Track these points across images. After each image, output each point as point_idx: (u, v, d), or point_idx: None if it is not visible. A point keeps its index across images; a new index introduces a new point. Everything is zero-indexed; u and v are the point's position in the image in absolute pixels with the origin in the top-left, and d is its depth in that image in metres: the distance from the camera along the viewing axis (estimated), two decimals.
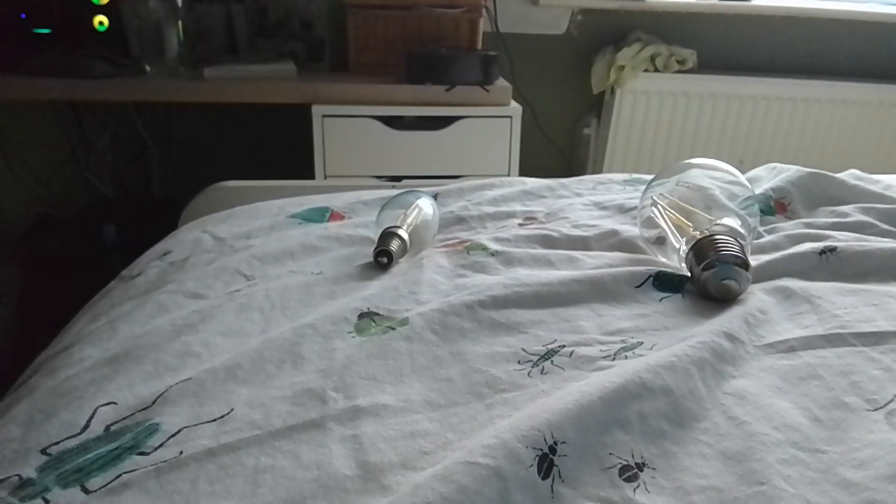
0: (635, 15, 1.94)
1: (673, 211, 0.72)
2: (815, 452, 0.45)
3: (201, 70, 1.49)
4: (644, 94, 1.92)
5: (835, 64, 2.06)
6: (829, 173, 0.93)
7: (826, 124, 2.00)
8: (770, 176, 0.96)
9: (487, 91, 1.54)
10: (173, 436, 0.46)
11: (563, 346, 0.56)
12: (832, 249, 0.70)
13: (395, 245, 0.71)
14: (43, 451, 0.45)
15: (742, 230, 0.69)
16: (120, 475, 0.43)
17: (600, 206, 0.90)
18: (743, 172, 0.80)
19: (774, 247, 0.76)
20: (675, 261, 0.69)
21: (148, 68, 1.52)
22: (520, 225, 0.84)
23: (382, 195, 0.94)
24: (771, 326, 0.59)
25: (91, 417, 0.48)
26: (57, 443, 0.45)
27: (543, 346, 0.56)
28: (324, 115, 1.48)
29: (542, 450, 0.42)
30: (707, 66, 1.95)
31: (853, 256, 0.70)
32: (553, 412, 0.44)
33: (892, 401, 0.49)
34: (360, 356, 0.54)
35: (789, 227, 0.82)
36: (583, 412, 0.44)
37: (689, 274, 0.66)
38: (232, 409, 0.48)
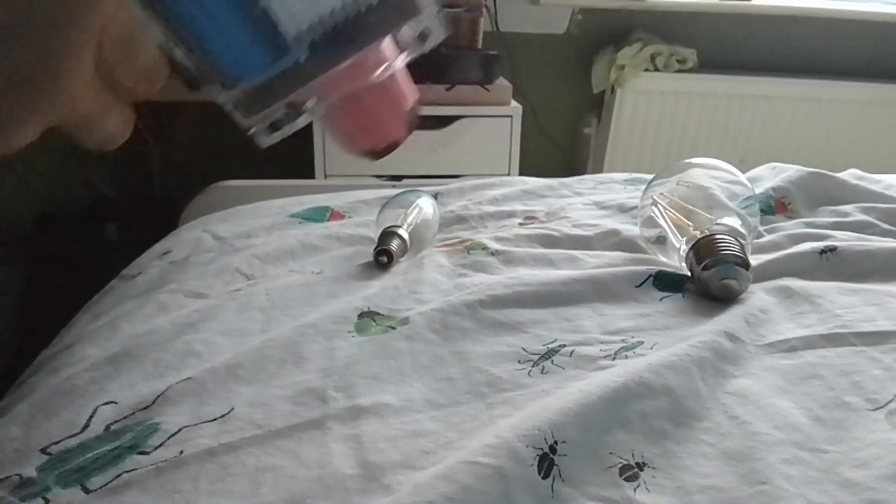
0: (636, 14, 1.94)
1: (673, 210, 0.72)
2: (816, 452, 0.45)
3: None
4: (644, 93, 1.92)
5: (835, 64, 2.06)
6: (830, 173, 0.92)
7: (826, 124, 2.00)
8: (770, 175, 0.96)
9: (488, 90, 1.54)
10: (174, 435, 0.46)
11: (564, 346, 0.56)
12: (833, 249, 0.70)
13: (395, 244, 0.71)
14: (43, 451, 0.45)
15: (742, 230, 0.69)
16: (120, 474, 0.43)
17: (601, 206, 0.90)
18: (743, 172, 0.80)
19: (775, 246, 0.75)
20: (676, 260, 0.69)
21: None
22: (520, 224, 0.84)
23: (383, 194, 0.94)
24: (772, 326, 0.59)
25: (91, 417, 0.48)
26: (57, 442, 0.45)
27: (544, 345, 0.56)
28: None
29: (542, 449, 0.42)
30: (707, 65, 1.95)
31: (854, 256, 0.70)
32: (554, 412, 0.44)
33: (892, 400, 0.49)
34: (361, 355, 0.54)
35: (790, 226, 0.82)
36: (583, 412, 0.44)
37: (689, 273, 0.66)
38: (233, 409, 0.48)
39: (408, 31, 0.32)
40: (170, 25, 0.25)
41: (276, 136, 0.31)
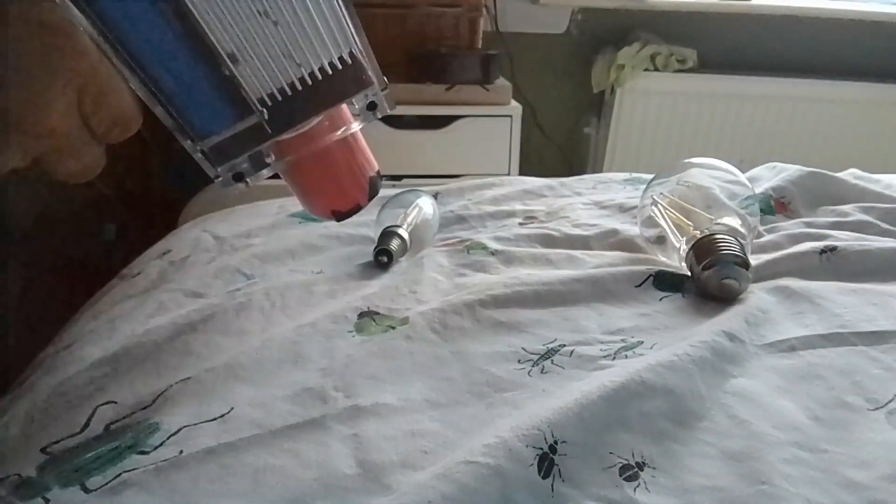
0: (636, 14, 1.94)
1: (673, 210, 0.72)
2: (816, 452, 0.45)
3: None
4: (644, 93, 1.92)
5: (835, 64, 2.06)
6: (830, 172, 0.93)
7: (826, 124, 2.00)
8: (770, 175, 0.96)
9: (487, 90, 1.54)
10: (173, 435, 0.46)
11: (564, 346, 0.56)
12: (833, 249, 0.70)
13: (395, 244, 0.71)
14: (43, 450, 0.45)
15: (742, 229, 0.69)
16: (120, 474, 0.43)
17: (600, 206, 0.90)
18: (743, 172, 0.80)
19: (775, 246, 0.75)
20: (676, 260, 0.69)
21: None
22: (520, 224, 0.84)
23: (383, 194, 0.93)
24: (772, 326, 0.59)
25: (91, 416, 0.48)
26: (57, 442, 0.45)
27: (544, 345, 0.56)
28: None
29: (542, 449, 0.42)
30: (707, 65, 1.95)
31: (854, 256, 0.70)
32: (554, 411, 0.44)
33: (893, 400, 0.49)
34: (361, 355, 0.54)
35: (790, 226, 0.82)
36: (583, 411, 0.44)
37: (689, 273, 0.66)
38: (232, 408, 0.48)
39: (360, 100, 0.38)
40: (145, 83, 0.29)
41: (240, 186, 0.36)
